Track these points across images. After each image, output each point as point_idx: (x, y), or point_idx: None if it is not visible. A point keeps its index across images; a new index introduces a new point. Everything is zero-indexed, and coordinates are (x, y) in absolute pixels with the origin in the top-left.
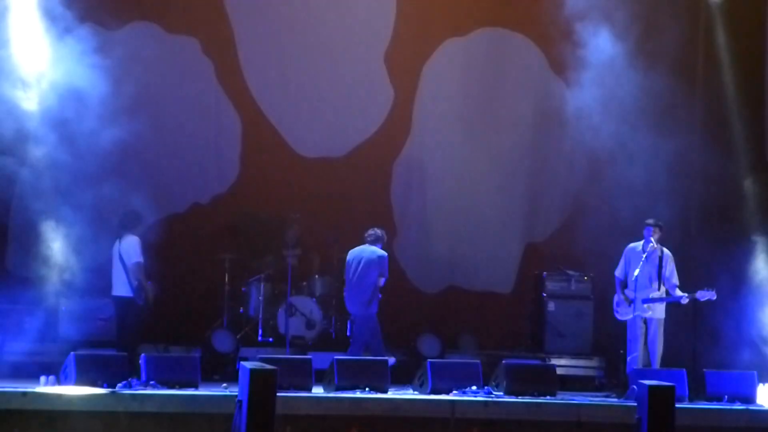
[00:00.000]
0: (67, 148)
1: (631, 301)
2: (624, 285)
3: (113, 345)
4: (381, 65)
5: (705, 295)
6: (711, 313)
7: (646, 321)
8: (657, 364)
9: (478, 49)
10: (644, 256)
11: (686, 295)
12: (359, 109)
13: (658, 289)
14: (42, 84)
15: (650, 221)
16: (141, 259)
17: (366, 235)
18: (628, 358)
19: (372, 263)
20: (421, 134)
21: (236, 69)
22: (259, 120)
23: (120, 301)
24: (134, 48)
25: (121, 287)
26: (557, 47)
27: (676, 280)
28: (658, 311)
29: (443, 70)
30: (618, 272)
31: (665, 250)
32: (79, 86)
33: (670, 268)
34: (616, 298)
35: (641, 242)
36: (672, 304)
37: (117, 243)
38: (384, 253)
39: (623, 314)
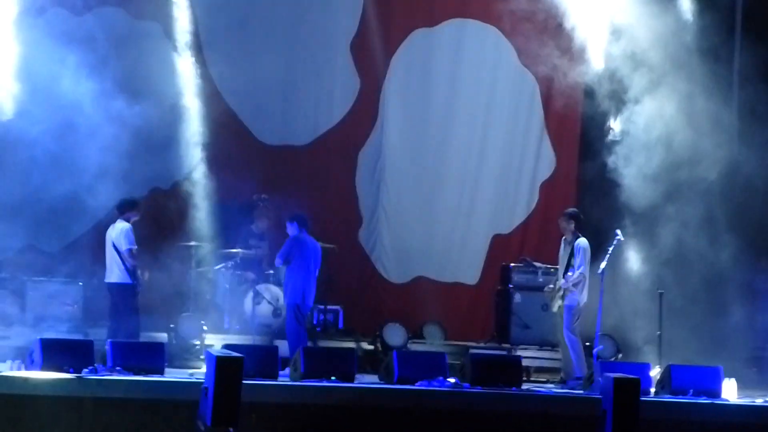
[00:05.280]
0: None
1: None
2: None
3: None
4: (347, 54)
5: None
6: None
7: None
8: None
9: (447, 39)
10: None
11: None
12: (324, 97)
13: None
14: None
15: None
16: (133, 246)
17: (307, 220)
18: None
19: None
20: (387, 123)
21: (198, 55)
22: (221, 107)
23: (112, 287)
24: (99, 32)
25: (114, 274)
26: (527, 39)
27: (581, 266)
28: (569, 299)
29: (411, 60)
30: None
31: (580, 238)
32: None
33: (580, 257)
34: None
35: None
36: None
37: (111, 228)
38: None
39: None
